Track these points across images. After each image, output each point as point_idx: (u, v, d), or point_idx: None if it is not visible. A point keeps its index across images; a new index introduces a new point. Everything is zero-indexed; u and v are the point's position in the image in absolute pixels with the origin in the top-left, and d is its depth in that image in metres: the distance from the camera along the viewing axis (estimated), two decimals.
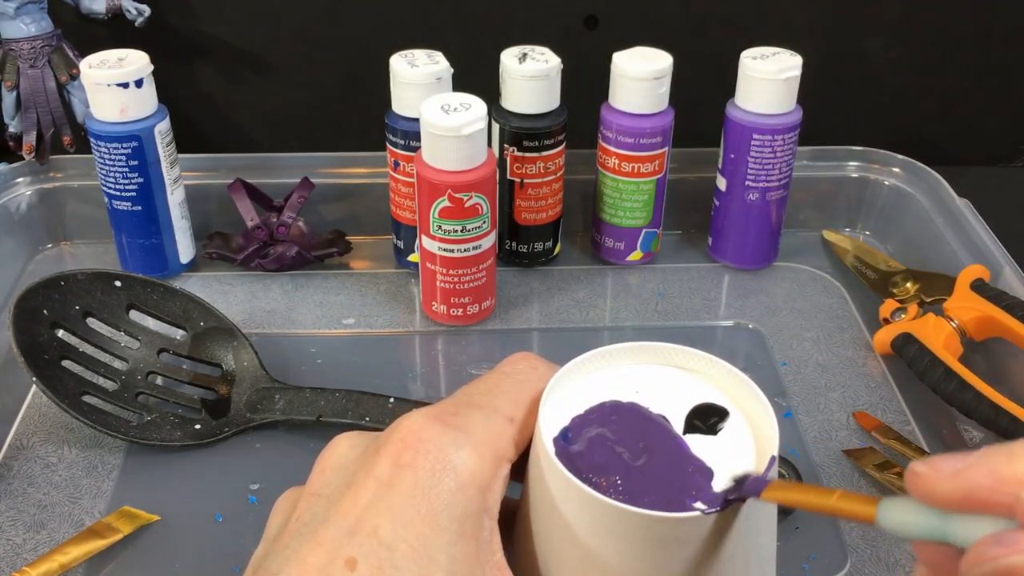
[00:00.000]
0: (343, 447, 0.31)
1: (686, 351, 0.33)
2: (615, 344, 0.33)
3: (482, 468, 0.29)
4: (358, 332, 0.62)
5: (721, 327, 0.63)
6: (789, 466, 0.50)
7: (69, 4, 0.69)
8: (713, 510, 0.28)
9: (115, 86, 0.59)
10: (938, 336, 0.56)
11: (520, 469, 0.31)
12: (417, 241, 0.60)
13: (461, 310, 0.61)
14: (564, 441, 0.30)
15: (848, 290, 0.66)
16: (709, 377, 0.33)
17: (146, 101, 0.60)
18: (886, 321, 0.60)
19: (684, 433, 0.31)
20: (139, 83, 0.59)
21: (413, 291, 0.66)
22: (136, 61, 0.60)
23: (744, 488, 0.28)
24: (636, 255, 0.67)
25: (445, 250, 0.58)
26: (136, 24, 0.69)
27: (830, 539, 0.48)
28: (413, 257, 0.65)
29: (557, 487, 0.29)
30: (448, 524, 0.28)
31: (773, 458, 0.29)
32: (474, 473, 0.28)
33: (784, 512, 0.48)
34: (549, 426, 0.30)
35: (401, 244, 0.66)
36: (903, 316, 0.59)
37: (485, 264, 0.60)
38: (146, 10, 0.69)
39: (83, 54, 0.62)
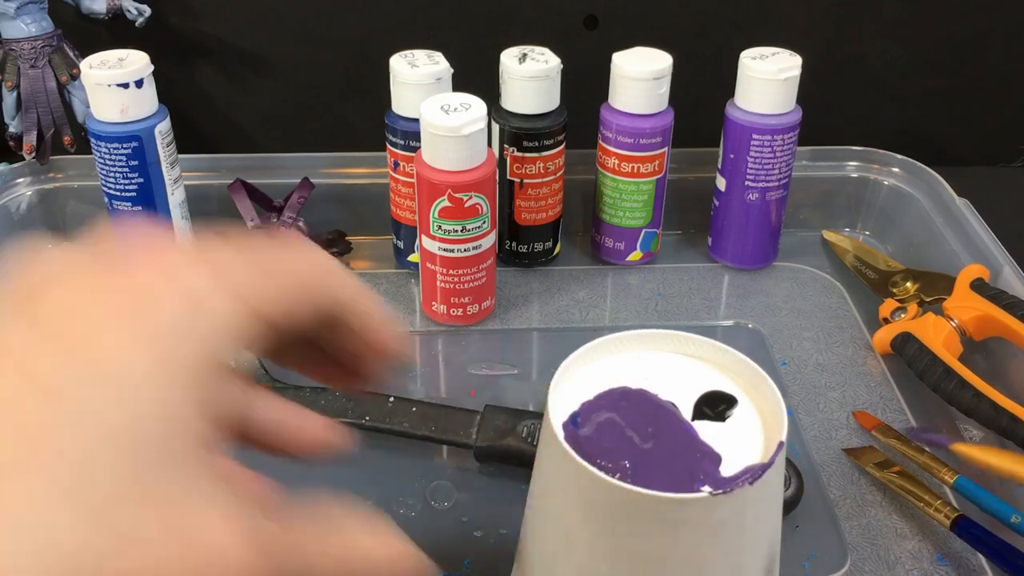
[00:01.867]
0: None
1: (695, 339, 0.33)
2: (625, 331, 0.33)
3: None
4: None
5: (721, 327, 0.63)
6: (789, 465, 0.50)
7: (69, 4, 0.69)
8: (720, 491, 0.28)
9: (115, 86, 0.59)
10: (938, 335, 0.56)
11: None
12: (417, 241, 0.60)
13: (461, 310, 0.61)
14: (573, 426, 0.30)
15: (848, 290, 0.66)
16: (718, 365, 0.33)
17: (146, 101, 0.60)
18: (886, 321, 0.60)
19: (693, 419, 0.31)
20: (139, 83, 0.59)
21: (413, 291, 0.66)
22: (136, 61, 0.60)
23: (933, 437, 0.28)
24: (636, 255, 0.67)
25: (445, 250, 0.58)
26: (136, 24, 0.69)
27: (830, 537, 0.48)
28: (413, 257, 0.65)
29: (567, 471, 0.29)
30: None
31: (781, 443, 0.29)
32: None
33: (788, 507, 0.48)
34: (559, 411, 0.31)
35: (401, 244, 0.66)
36: (903, 316, 0.59)
37: (485, 264, 0.60)
38: (146, 10, 0.69)
39: (83, 54, 0.62)
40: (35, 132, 0.67)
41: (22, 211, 0.68)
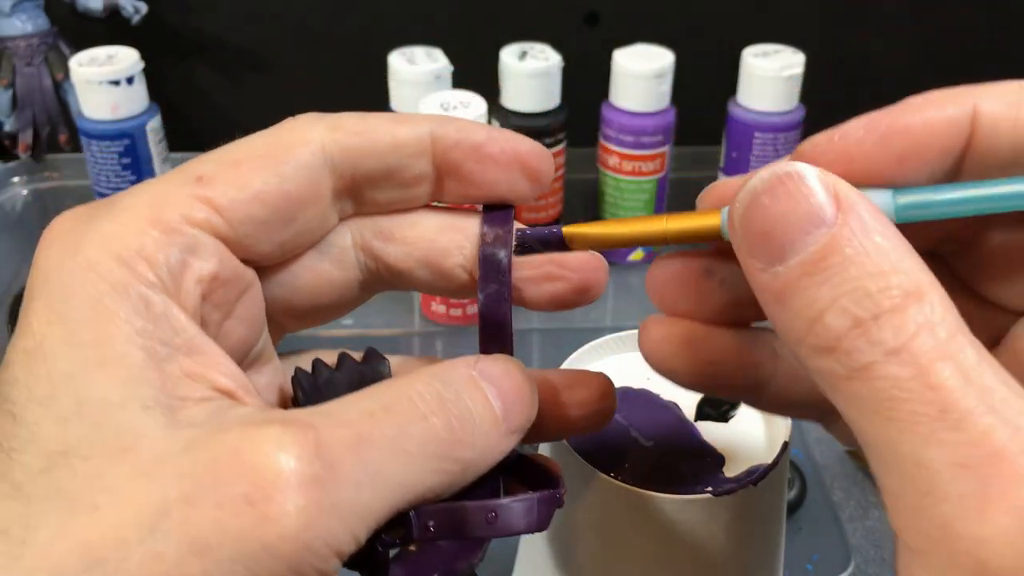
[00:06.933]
0: None
1: None
2: (626, 331, 0.33)
3: (124, 233, 0.22)
4: (357, 332, 0.62)
5: None
6: (792, 466, 0.49)
7: (65, 2, 0.69)
8: (723, 492, 0.28)
9: (106, 83, 0.58)
10: None
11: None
12: None
13: (461, 310, 0.60)
14: None
15: None
16: None
17: (137, 98, 0.60)
18: None
19: (695, 420, 0.31)
20: (130, 80, 0.59)
21: (412, 291, 0.65)
22: (126, 58, 0.59)
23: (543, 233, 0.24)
24: (637, 255, 0.67)
25: None
26: (133, 22, 0.69)
27: (834, 539, 0.47)
28: None
29: (569, 471, 0.29)
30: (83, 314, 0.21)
31: (785, 444, 0.29)
32: (108, 240, 0.22)
33: (791, 509, 0.47)
34: None
35: None
36: None
37: None
38: (143, 7, 0.69)
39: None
40: (31, 130, 0.66)
41: (17, 210, 0.68)
